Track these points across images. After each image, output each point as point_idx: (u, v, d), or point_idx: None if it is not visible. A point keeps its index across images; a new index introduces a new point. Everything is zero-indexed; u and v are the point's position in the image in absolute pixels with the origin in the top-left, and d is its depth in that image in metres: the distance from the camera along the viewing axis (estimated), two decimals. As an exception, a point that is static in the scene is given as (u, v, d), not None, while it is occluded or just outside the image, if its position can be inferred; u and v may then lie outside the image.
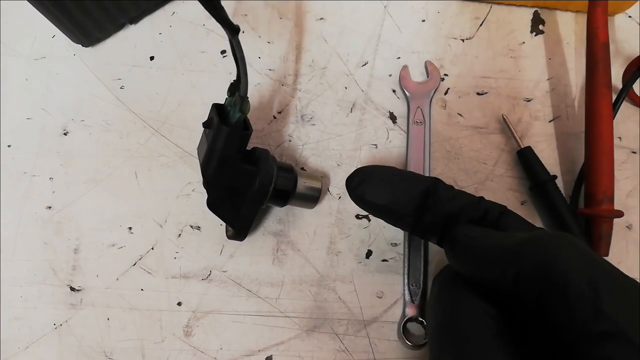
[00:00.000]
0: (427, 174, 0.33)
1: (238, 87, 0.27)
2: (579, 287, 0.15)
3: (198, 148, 0.31)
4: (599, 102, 0.32)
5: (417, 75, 0.36)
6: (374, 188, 0.23)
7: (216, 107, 0.29)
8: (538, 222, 0.34)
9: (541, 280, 0.16)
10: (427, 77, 0.36)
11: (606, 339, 0.14)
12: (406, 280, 0.32)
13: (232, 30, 0.25)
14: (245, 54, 0.25)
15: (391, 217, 0.24)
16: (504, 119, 0.35)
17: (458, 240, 0.21)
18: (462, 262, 0.20)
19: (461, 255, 0.20)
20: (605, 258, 0.28)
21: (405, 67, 0.36)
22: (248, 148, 0.30)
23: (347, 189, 0.25)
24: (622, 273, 0.17)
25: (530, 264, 0.16)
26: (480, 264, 0.19)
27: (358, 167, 0.26)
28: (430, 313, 0.22)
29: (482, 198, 0.23)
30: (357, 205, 0.25)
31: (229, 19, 0.24)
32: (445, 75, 0.36)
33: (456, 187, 0.25)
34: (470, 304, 0.19)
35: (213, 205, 0.30)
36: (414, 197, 0.23)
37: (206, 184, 0.29)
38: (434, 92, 0.36)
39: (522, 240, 0.18)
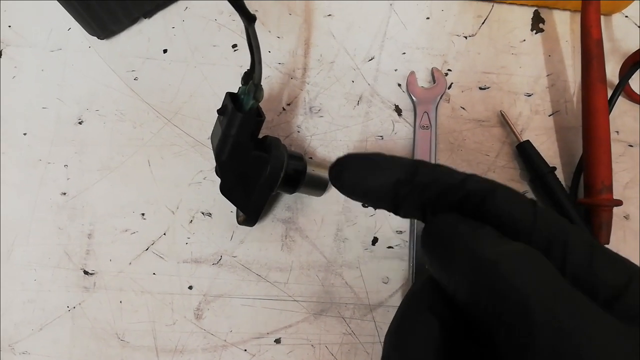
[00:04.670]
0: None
1: (252, 76, 0.28)
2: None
3: (212, 135, 0.32)
4: (594, 97, 0.34)
5: (421, 69, 0.38)
6: (351, 177, 0.22)
7: (230, 95, 0.30)
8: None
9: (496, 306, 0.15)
10: (434, 82, 0.37)
11: None
12: (411, 266, 0.33)
13: (249, 19, 0.26)
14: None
15: (372, 204, 0.23)
16: (502, 114, 0.36)
17: (427, 235, 0.19)
18: (427, 258, 0.19)
19: (426, 253, 0.19)
20: (606, 246, 0.29)
21: (412, 73, 0.37)
22: (259, 137, 0.32)
23: (329, 177, 0.24)
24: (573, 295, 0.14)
25: (487, 292, 0.15)
26: (441, 269, 0.17)
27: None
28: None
29: (467, 178, 0.19)
30: (341, 192, 0.24)
31: (246, 8, 0.25)
32: (449, 70, 0.38)
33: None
34: (416, 316, 0.18)
35: (226, 190, 0.31)
36: (388, 188, 0.21)
37: (219, 169, 0.30)
38: (440, 98, 0.37)
39: (481, 260, 0.15)
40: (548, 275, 0.14)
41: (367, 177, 0.22)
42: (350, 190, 0.23)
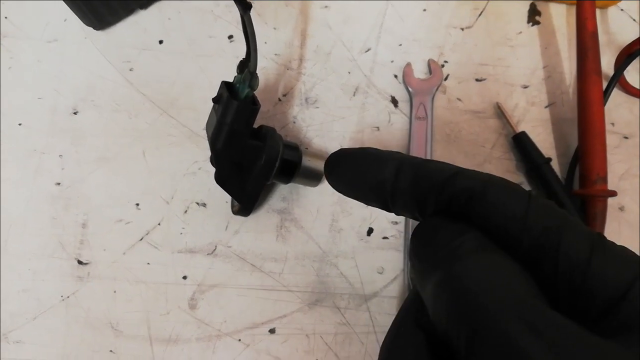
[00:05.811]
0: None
1: (247, 64, 0.28)
2: None
3: (207, 124, 0.32)
4: (589, 88, 0.34)
5: (418, 61, 0.38)
6: (341, 175, 0.21)
7: (225, 83, 0.30)
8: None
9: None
10: (430, 74, 0.37)
11: None
12: (406, 257, 0.33)
13: (244, 7, 0.26)
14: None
15: (363, 202, 0.22)
16: (498, 106, 0.36)
17: (411, 240, 0.18)
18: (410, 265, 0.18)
19: (410, 259, 0.18)
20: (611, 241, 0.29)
21: (408, 64, 0.37)
22: (255, 126, 0.31)
23: (325, 174, 0.23)
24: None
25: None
26: (418, 282, 0.17)
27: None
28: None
29: (457, 174, 0.17)
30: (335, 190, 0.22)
31: (241, -5, 0.25)
32: (446, 62, 0.38)
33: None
34: (406, 337, 0.17)
35: (221, 179, 0.30)
36: (372, 188, 0.20)
37: (214, 157, 0.30)
38: (436, 89, 0.37)
39: (447, 275, 0.15)
40: (514, 298, 0.13)
41: (354, 176, 0.21)
42: (341, 189, 0.22)
